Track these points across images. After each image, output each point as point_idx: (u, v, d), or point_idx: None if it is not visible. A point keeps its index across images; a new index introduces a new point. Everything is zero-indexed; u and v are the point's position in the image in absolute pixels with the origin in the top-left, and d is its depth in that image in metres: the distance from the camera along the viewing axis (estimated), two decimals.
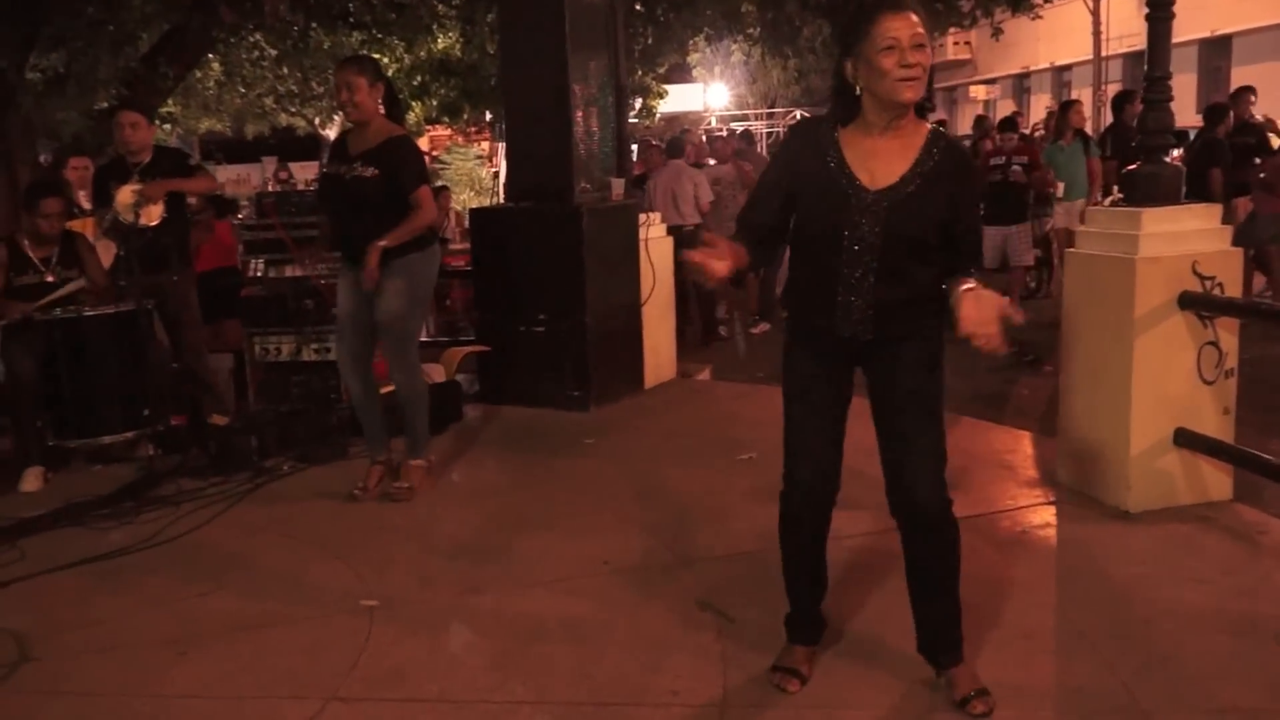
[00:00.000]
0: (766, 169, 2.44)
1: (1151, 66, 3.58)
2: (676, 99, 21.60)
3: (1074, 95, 24.88)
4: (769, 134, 23.96)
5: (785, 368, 2.43)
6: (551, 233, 5.35)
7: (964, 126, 24.14)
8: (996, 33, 11.82)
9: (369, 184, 3.78)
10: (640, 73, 15.45)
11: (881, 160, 2.26)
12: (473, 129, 19.30)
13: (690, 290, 9.29)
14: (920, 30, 2.19)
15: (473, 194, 15.47)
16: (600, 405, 5.37)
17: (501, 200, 5.90)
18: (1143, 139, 3.64)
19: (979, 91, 27.27)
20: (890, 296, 2.26)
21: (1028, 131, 13.55)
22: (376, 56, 13.72)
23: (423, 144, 26.69)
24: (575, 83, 5.31)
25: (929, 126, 2.28)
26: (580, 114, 5.39)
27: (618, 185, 5.57)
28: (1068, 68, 26.06)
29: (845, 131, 2.31)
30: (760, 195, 2.38)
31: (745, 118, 26.89)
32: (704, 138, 14.07)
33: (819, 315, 2.31)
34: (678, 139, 11.01)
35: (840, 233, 2.24)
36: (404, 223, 3.79)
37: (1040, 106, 23.45)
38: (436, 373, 5.31)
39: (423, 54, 14.08)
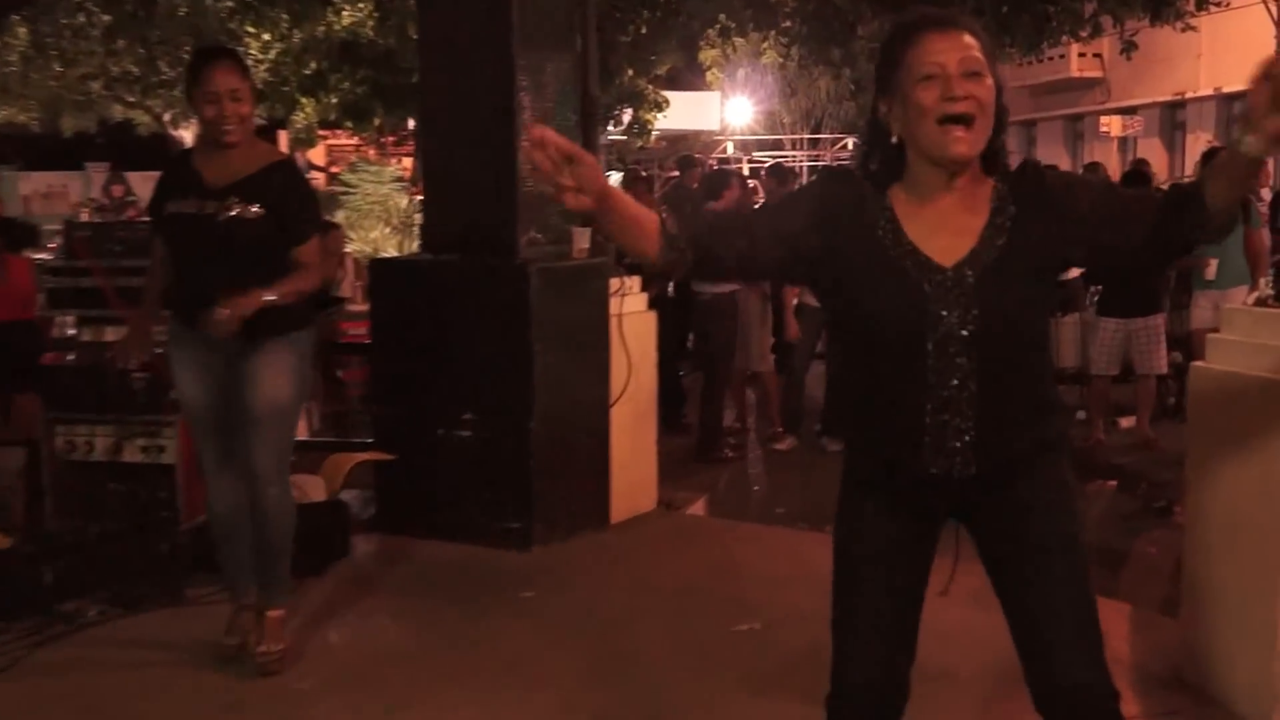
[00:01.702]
0: (781, 202, 2.51)
1: None
2: (683, 112, 22.04)
3: None
4: (811, 168, 24.48)
5: (840, 522, 2.46)
6: (486, 298, 5.43)
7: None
8: (1128, 49, 12.18)
9: (251, 227, 3.87)
10: (631, 73, 15.87)
11: (947, 226, 2.33)
12: (389, 139, 19.57)
13: (682, 384, 9.50)
14: (976, 54, 2.25)
15: (387, 231, 15.41)
16: (547, 544, 5.42)
17: (417, 247, 6.02)
18: None
19: (1112, 124, 27.98)
20: (1001, 408, 2.30)
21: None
22: (252, 33, 14.03)
23: (316, 156, 27.20)
24: (525, 90, 5.44)
25: (997, 176, 2.36)
26: (529, 134, 5.53)
27: (582, 236, 5.68)
28: (1238, 96, 26.93)
29: (892, 193, 2.38)
30: (756, 220, 2.42)
31: (778, 145, 27.46)
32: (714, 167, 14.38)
33: (897, 446, 2.34)
34: (689, 163, 11.19)
35: (919, 332, 2.29)
36: (289, 281, 3.90)
37: (1198, 148, 24.06)
38: (313, 488, 5.35)
39: (319, 31, 14.38)
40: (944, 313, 2.28)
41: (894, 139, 2.34)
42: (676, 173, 27.47)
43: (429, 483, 5.56)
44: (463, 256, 5.54)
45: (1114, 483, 7.54)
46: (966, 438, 2.29)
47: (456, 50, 5.55)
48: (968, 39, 2.27)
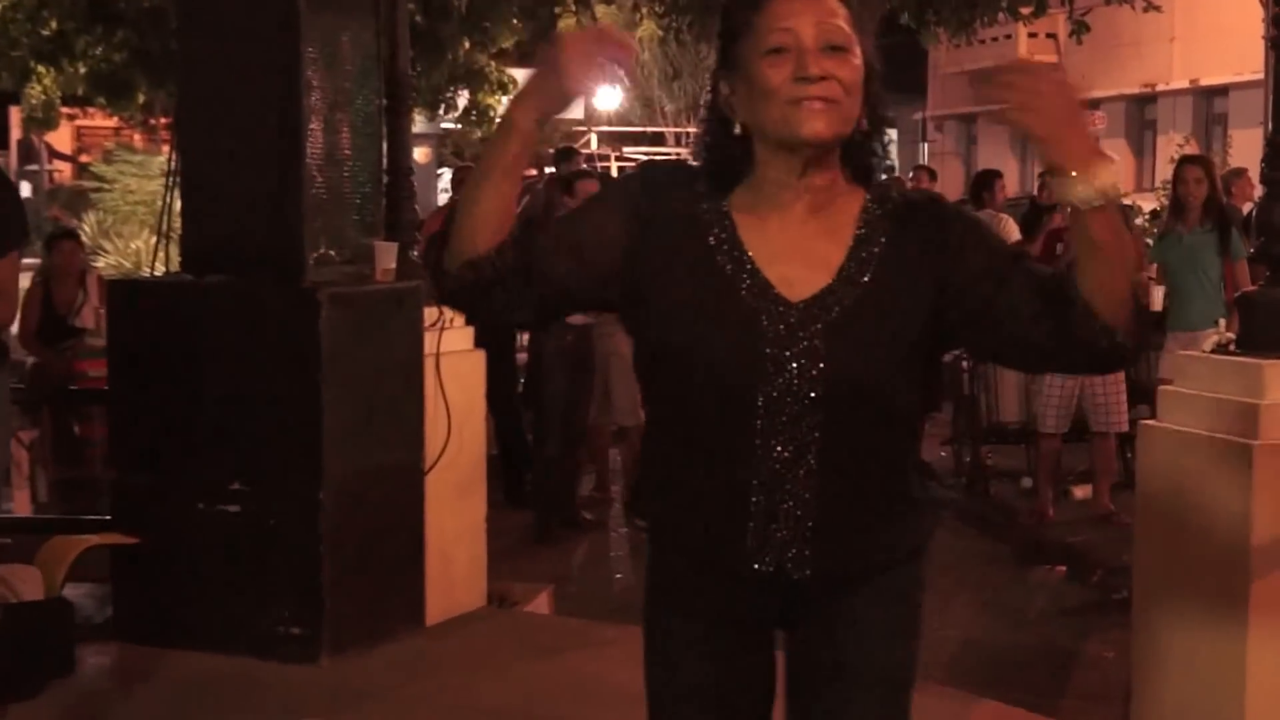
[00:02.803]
0: (582, 204, 2.57)
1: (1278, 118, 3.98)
2: None
3: (1229, 134, 26.67)
4: None
5: (648, 650, 2.46)
6: (261, 333, 5.38)
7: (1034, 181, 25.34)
8: (1079, 30, 12.43)
9: None
10: (468, 46, 15.83)
11: (800, 250, 2.31)
12: (159, 120, 19.31)
13: (527, 441, 9.42)
14: (839, 23, 2.26)
15: (153, 240, 15.17)
16: (341, 654, 5.35)
17: (177, 264, 5.89)
18: (1263, 240, 3.95)
19: None
20: (849, 496, 2.30)
21: (1146, 206, 14.24)
22: None
23: (59, 141, 26.67)
24: (312, 68, 5.41)
25: (869, 188, 2.38)
26: (320, 123, 5.50)
27: (387, 253, 5.68)
28: (1220, 90, 27.90)
29: (733, 198, 2.37)
30: (554, 236, 2.37)
31: (658, 139, 27.66)
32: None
33: (713, 532, 2.33)
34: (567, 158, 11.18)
35: (749, 384, 2.26)
36: None
37: (1170, 151, 24.85)
38: (27, 581, 5.20)
39: None
40: (786, 361, 2.27)
41: (737, 129, 2.34)
42: (532, 171, 27.43)
43: (184, 574, 5.47)
44: (232, 278, 5.49)
45: (1063, 568, 7.67)
46: (807, 525, 2.29)
47: (225, 12, 5.53)
48: (830, 2, 2.27)
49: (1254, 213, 8.96)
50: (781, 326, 2.26)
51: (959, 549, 7.69)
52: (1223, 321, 4.11)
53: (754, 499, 2.27)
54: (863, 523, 2.32)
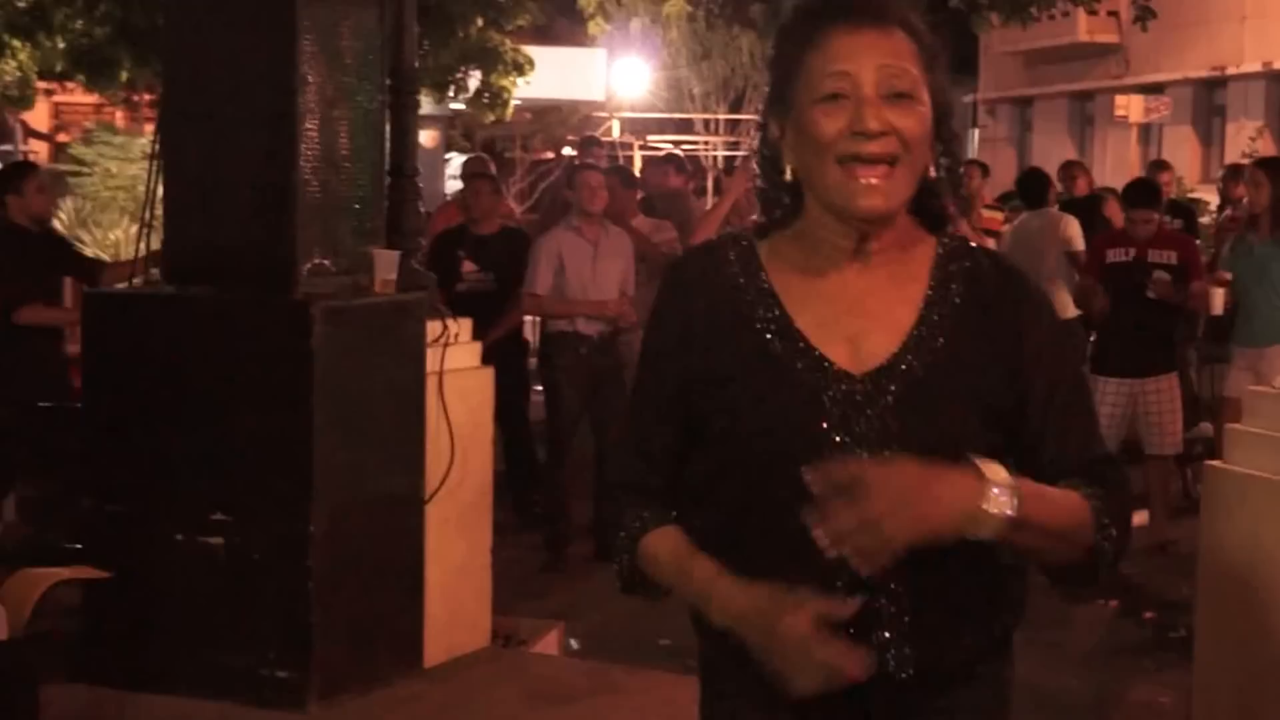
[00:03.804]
0: (641, 369, 2.47)
1: None
2: (554, 76, 22.05)
3: None
4: (729, 159, 24.51)
5: None
6: (249, 349, 5.38)
7: (1104, 172, 25.20)
8: (1144, 16, 12.45)
9: None
10: (480, 23, 15.80)
11: (860, 308, 2.28)
12: (143, 97, 19.35)
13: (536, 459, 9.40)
14: (906, 65, 2.20)
15: (134, 230, 15.12)
16: (332, 700, 5.34)
17: (157, 271, 5.94)
18: None
19: (1131, 106, 28.59)
20: (938, 577, 2.23)
21: (1211, 201, 14.19)
22: None
23: (36, 119, 26.68)
24: (309, 62, 5.42)
25: (941, 237, 2.34)
26: (316, 122, 5.49)
27: (386, 262, 5.67)
28: None
29: (777, 253, 2.33)
30: (643, 416, 2.41)
31: (686, 126, 27.49)
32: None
33: None
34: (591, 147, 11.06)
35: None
36: None
37: (1242, 139, 24.75)
38: None
39: None
40: (854, 442, 2.21)
41: (787, 174, 2.30)
42: (549, 155, 27.09)
43: (161, 612, 5.45)
44: (218, 289, 5.50)
45: (1115, 602, 7.61)
46: (904, 620, 2.24)
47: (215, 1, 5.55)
48: (896, 39, 2.21)
49: None
50: (847, 404, 2.23)
51: None
52: None
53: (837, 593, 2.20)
54: (962, 606, 2.28)
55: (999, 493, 2.09)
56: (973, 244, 2.37)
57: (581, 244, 8.43)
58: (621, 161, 19.00)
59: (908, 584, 2.22)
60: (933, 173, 2.27)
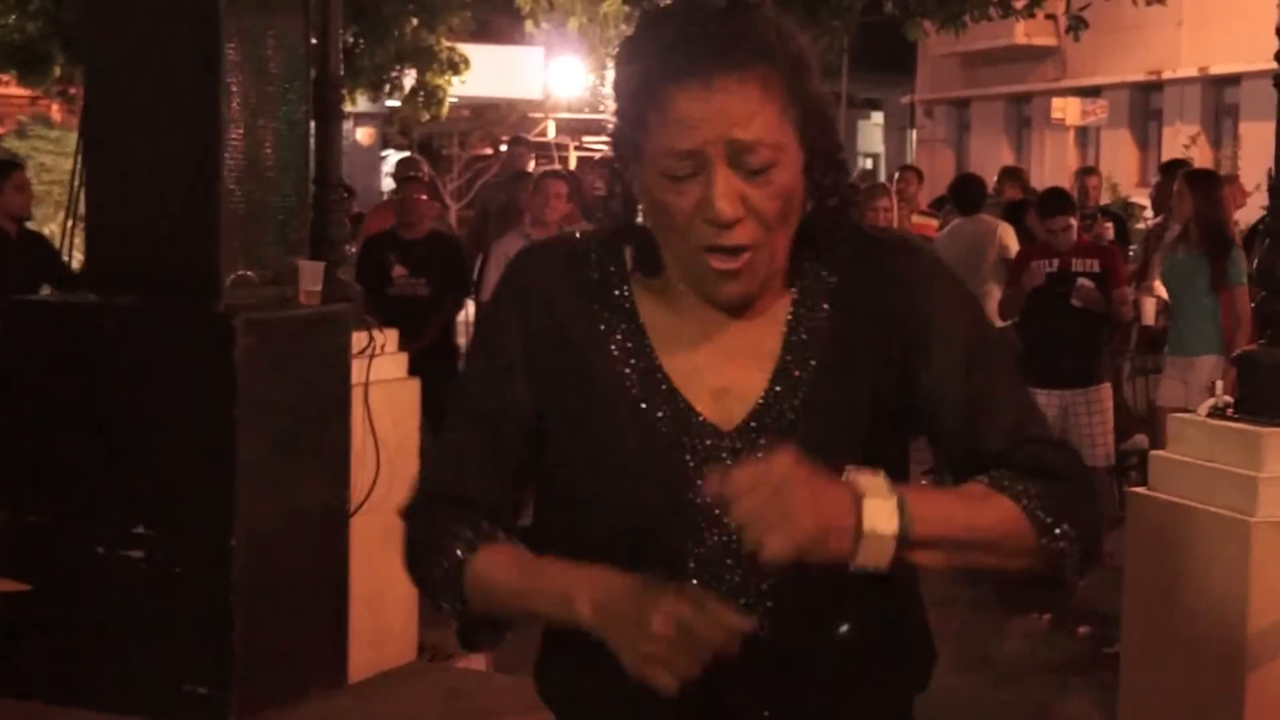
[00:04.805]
0: (466, 377, 2.15)
1: None
2: (491, 74, 22.03)
3: (1240, 128, 26.68)
4: None
5: None
6: (171, 361, 5.37)
7: (1042, 175, 25.34)
8: (1076, 26, 12.49)
9: None
10: (414, 23, 15.77)
11: (730, 350, 2.00)
12: (78, 90, 19.24)
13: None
14: (755, 130, 1.88)
15: (70, 224, 15.04)
16: (255, 716, 5.32)
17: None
18: (1264, 296, 3.95)
19: (1068, 109, 28.79)
20: (813, 663, 1.99)
21: (1148, 206, 14.25)
22: None
23: None
24: (233, 71, 5.41)
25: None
26: (240, 130, 5.47)
27: (311, 273, 5.64)
28: (1231, 80, 27.98)
29: (645, 288, 2.04)
30: (455, 445, 2.10)
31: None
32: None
33: None
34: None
35: (676, 548, 1.95)
36: None
37: (1178, 143, 24.92)
38: None
39: None
40: (721, 513, 1.84)
41: (640, 217, 2.00)
42: (486, 151, 26.94)
43: (80, 626, 5.41)
44: (141, 299, 5.47)
45: (1048, 616, 7.63)
46: (763, 714, 1.97)
47: (138, 6, 5.52)
48: (751, 89, 1.88)
49: (1259, 226, 9.02)
50: (711, 463, 1.92)
51: (936, 593, 7.64)
52: (1220, 385, 4.05)
53: (693, 690, 1.86)
54: (840, 700, 2.00)
55: (877, 507, 1.81)
56: (850, 222, 2.06)
57: None
58: (557, 163, 18.98)
59: (773, 671, 1.96)
60: (819, 202, 1.99)
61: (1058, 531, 1.91)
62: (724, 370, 1.99)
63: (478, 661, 6.39)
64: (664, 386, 1.98)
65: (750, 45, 1.88)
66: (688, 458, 1.96)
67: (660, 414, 1.97)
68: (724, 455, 1.94)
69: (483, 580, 1.98)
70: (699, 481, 1.90)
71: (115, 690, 5.35)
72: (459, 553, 1.99)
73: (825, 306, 2.01)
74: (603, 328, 2.01)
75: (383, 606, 5.93)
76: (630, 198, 2.00)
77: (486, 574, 1.98)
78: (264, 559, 5.38)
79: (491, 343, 2.08)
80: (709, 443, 1.96)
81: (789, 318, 2.01)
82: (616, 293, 2.03)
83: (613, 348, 2.00)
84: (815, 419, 1.97)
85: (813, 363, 1.98)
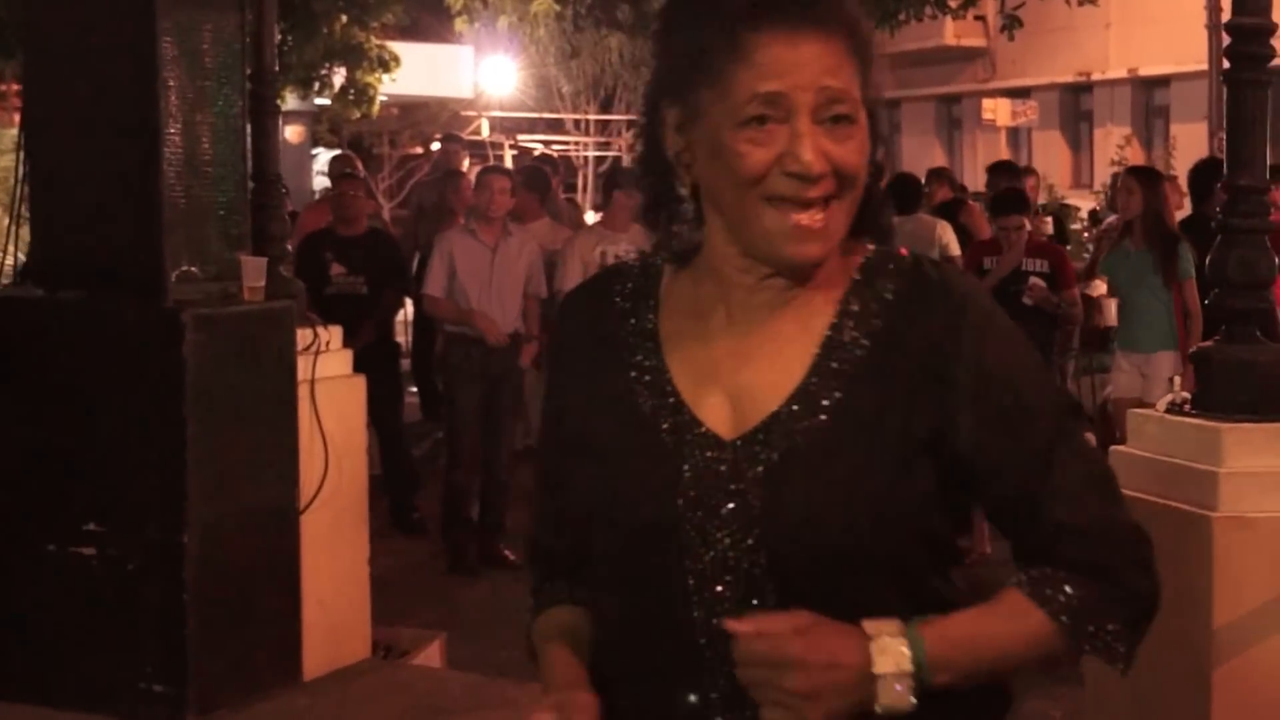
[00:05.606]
0: (546, 430, 2.17)
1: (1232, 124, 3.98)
2: (421, 73, 22.07)
3: (1171, 128, 27.03)
4: (600, 161, 24.53)
5: None
6: (119, 358, 5.36)
7: (975, 176, 25.55)
8: (1011, 25, 12.59)
9: None
10: (344, 21, 15.72)
11: (753, 357, 1.94)
12: (12, 87, 19.15)
13: (413, 462, 9.34)
14: (843, 79, 1.84)
15: (7, 223, 15.04)
16: (209, 715, 5.30)
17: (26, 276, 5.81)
18: (1217, 292, 3.94)
19: (998, 110, 29.09)
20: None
21: (1082, 208, 14.41)
22: None
23: None
24: (169, 70, 5.39)
25: (865, 252, 1.97)
26: (178, 126, 5.43)
27: (254, 269, 5.62)
28: (1161, 81, 28.36)
29: (677, 284, 2.01)
30: (544, 479, 2.13)
31: (557, 124, 27.51)
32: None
33: None
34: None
35: (672, 563, 1.89)
36: None
37: (1110, 144, 25.21)
38: None
39: None
40: (714, 524, 1.86)
41: (684, 188, 1.93)
42: (417, 150, 27.06)
43: (32, 624, 5.41)
44: (87, 294, 5.44)
45: None
46: None
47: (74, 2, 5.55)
48: (837, 48, 1.83)
49: (1218, 229, 9.15)
50: (709, 476, 1.88)
51: None
52: (1178, 380, 4.06)
53: (692, 700, 1.89)
54: None
55: (885, 647, 1.78)
56: (903, 253, 1.98)
57: (477, 248, 8.48)
58: (492, 160, 19.00)
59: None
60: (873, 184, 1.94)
61: (1103, 633, 1.89)
62: (743, 369, 1.93)
63: (432, 658, 6.38)
64: (672, 400, 1.94)
65: (839, 11, 1.86)
66: (686, 469, 1.89)
67: (665, 425, 1.93)
68: (722, 467, 1.88)
69: (536, 640, 2.10)
70: (693, 492, 1.87)
71: (68, 688, 5.34)
72: (532, 605, 2.14)
73: (865, 343, 1.91)
74: (629, 344, 1.99)
75: (335, 604, 5.94)
76: (666, 164, 1.93)
77: (537, 637, 2.10)
78: (216, 556, 5.37)
79: (547, 406, 2.12)
80: (709, 454, 1.89)
81: (827, 333, 1.92)
82: (642, 311, 2.01)
83: (631, 368, 1.97)
84: (822, 454, 1.87)
85: (838, 394, 1.89)
